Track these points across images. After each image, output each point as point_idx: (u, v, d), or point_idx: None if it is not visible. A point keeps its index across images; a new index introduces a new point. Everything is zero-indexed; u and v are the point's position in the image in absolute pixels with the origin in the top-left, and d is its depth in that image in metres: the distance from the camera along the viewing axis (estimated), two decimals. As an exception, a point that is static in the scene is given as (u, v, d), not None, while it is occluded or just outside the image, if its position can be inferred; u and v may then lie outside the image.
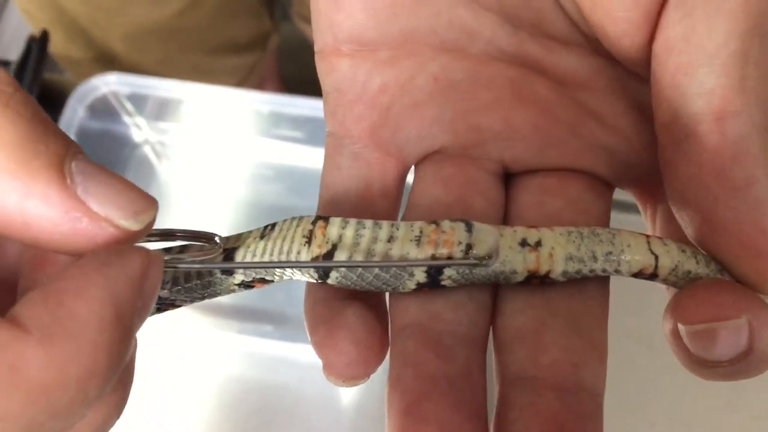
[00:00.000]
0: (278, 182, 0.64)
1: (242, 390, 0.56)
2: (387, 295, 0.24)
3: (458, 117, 0.25)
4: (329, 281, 0.22)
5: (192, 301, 0.25)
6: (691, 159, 0.21)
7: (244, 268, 0.23)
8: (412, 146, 0.26)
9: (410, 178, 0.26)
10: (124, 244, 0.19)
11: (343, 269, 0.22)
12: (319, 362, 0.59)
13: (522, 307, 0.23)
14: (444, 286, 0.22)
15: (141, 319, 0.18)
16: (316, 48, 0.27)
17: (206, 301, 0.25)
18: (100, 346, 0.17)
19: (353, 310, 0.22)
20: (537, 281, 0.22)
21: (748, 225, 0.21)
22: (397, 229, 0.22)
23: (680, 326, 0.21)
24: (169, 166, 0.65)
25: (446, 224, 0.22)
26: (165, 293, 0.24)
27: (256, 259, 0.23)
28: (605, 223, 0.25)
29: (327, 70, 0.26)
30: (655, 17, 0.22)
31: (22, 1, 0.73)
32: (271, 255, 0.23)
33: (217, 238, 0.23)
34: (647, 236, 0.22)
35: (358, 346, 0.21)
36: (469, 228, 0.22)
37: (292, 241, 0.23)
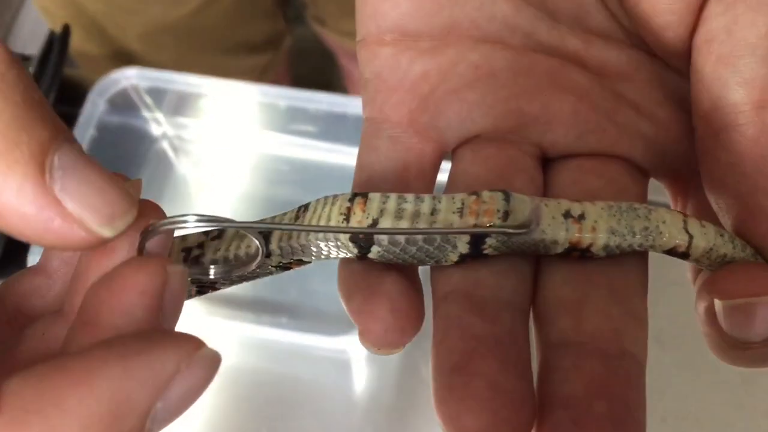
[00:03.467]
0: (294, 177, 0.65)
1: (256, 381, 0.56)
2: (428, 267, 0.24)
3: (498, 102, 0.26)
4: (371, 255, 0.23)
5: (231, 284, 0.25)
6: (731, 148, 0.22)
7: (285, 229, 0.23)
8: (452, 131, 0.26)
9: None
10: (95, 245, 0.18)
11: (385, 243, 0.22)
12: (332, 354, 0.60)
13: (563, 280, 0.23)
14: (486, 255, 0.22)
15: (159, 426, 0.16)
16: (358, 36, 0.27)
17: (220, 292, 0.25)
18: None
19: (390, 279, 0.22)
20: (577, 254, 0.22)
21: None
22: (439, 201, 0.22)
23: (717, 302, 0.21)
24: (186, 160, 0.66)
25: (486, 194, 0.22)
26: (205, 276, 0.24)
27: (293, 242, 0.23)
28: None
29: (368, 58, 0.27)
30: (697, 10, 0.23)
31: (40, -1, 0.74)
32: (307, 236, 0.23)
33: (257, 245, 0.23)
34: (685, 216, 0.23)
35: (396, 314, 0.22)
36: (507, 197, 0.22)
37: (328, 220, 0.23)
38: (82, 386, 0.15)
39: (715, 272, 0.22)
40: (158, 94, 0.63)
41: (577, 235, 0.22)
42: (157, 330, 0.18)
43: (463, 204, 0.22)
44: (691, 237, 0.22)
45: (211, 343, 0.18)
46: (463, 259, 0.23)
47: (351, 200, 0.23)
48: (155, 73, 0.62)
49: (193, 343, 0.17)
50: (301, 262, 0.24)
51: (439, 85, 0.26)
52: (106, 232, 0.18)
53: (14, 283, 0.21)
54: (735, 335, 0.21)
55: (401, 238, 0.22)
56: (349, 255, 0.23)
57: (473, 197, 0.22)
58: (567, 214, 0.22)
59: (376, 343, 0.22)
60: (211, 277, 0.24)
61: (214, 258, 0.24)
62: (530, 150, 0.26)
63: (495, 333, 0.21)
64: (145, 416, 0.16)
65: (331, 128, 0.63)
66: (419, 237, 0.22)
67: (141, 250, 0.20)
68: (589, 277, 0.23)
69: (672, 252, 0.23)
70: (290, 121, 0.63)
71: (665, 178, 0.27)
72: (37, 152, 0.17)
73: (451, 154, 0.27)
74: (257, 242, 0.23)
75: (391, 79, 0.26)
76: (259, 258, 0.23)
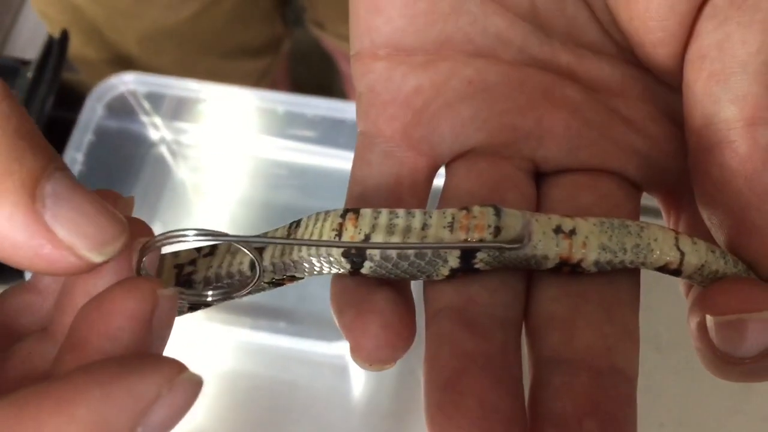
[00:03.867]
0: (292, 182, 0.65)
1: (253, 386, 0.56)
2: (421, 282, 0.24)
3: (492, 117, 0.26)
4: (363, 271, 0.23)
5: (225, 301, 0.25)
6: (723, 164, 0.22)
7: (285, 243, 0.23)
8: (445, 145, 0.26)
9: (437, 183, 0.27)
10: (85, 271, 0.18)
11: (377, 258, 0.22)
12: (330, 359, 0.60)
13: (555, 295, 0.23)
14: (477, 270, 0.23)
15: None
16: (352, 51, 0.27)
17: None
18: None
19: (382, 295, 0.22)
20: (567, 269, 0.23)
21: None
22: (430, 216, 0.23)
23: (708, 318, 0.21)
24: (184, 165, 0.66)
25: (476, 209, 0.22)
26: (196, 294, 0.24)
27: (285, 258, 0.23)
28: (634, 219, 0.25)
29: (362, 72, 0.27)
30: (689, 27, 0.23)
31: (39, 3, 0.74)
32: (300, 252, 0.23)
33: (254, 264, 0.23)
34: (677, 233, 0.23)
35: (387, 330, 0.22)
36: (498, 212, 0.22)
37: (320, 236, 0.23)
38: (61, 413, 0.15)
39: (706, 288, 0.22)
40: (156, 99, 0.64)
41: (567, 250, 0.22)
42: (139, 354, 0.18)
43: (453, 219, 0.22)
44: (682, 254, 0.22)
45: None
46: (454, 273, 0.23)
47: (343, 216, 0.23)
48: (153, 78, 0.62)
49: (174, 367, 0.17)
50: (293, 279, 0.24)
51: (432, 99, 0.26)
52: (96, 258, 0.18)
53: (5, 299, 0.21)
54: (726, 351, 0.21)
55: (393, 253, 0.22)
56: (342, 270, 0.23)
57: (463, 212, 0.22)
58: (558, 230, 0.22)
59: (367, 359, 0.22)
60: (209, 299, 0.24)
61: (206, 275, 0.24)
62: (523, 165, 0.26)
63: (486, 350, 0.21)
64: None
65: (329, 133, 0.63)
66: (411, 252, 0.22)
67: (138, 267, 0.20)
68: (581, 292, 0.23)
69: (663, 269, 0.23)
70: (288, 126, 0.63)
71: (658, 192, 0.27)
72: (29, 181, 0.17)
73: (445, 168, 0.27)
74: (253, 257, 0.23)
75: (385, 93, 0.26)
76: (257, 274, 0.23)
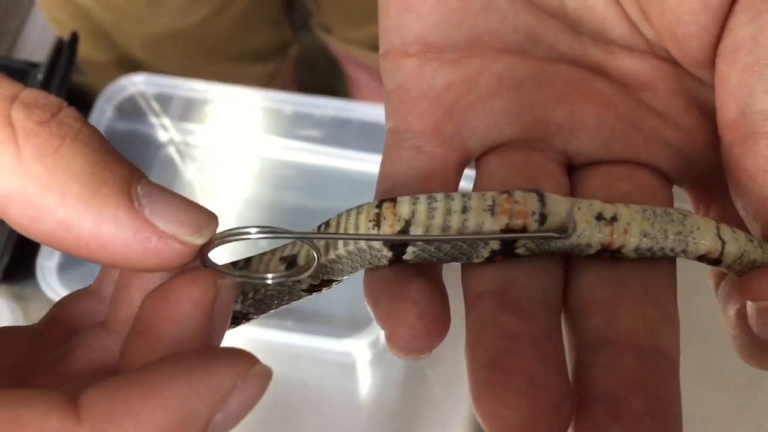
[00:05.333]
0: (299, 182, 0.65)
1: (262, 384, 0.57)
2: (459, 267, 0.24)
3: (524, 110, 0.26)
4: (406, 257, 0.23)
5: (263, 312, 0.25)
6: (758, 154, 0.22)
7: (343, 239, 0.23)
8: (477, 139, 0.26)
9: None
10: (191, 257, 0.20)
11: (420, 243, 0.22)
12: (338, 357, 0.60)
13: (594, 280, 0.23)
14: (517, 255, 0.23)
15: None
16: (381, 49, 0.27)
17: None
18: None
19: (418, 284, 0.23)
20: (607, 255, 0.23)
21: None
22: (469, 199, 0.22)
23: (749, 304, 0.21)
24: (192, 165, 0.67)
25: (518, 194, 0.22)
26: (237, 307, 0.24)
27: (322, 260, 0.23)
28: None
29: (392, 69, 0.27)
30: (722, 20, 0.23)
31: (49, 8, 0.75)
32: (336, 250, 0.23)
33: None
34: (718, 223, 0.23)
35: (423, 319, 0.22)
36: (542, 198, 0.22)
37: (356, 229, 0.23)
38: (152, 399, 0.16)
39: (747, 275, 0.23)
40: (165, 100, 0.64)
41: (609, 237, 0.22)
42: (214, 347, 0.20)
43: (494, 202, 0.22)
44: (723, 243, 0.22)
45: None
46: (493, 256, 0.23)
47: (378, 206, 0.23)
48: (162, 80, 0.63)
49: (248, 360, 0.18)
50: (330, 283, 0.24)
51: (463, 94, 0.26)
52: (198, 241, 0.20)
53: (69, 302, 0.23)
54: (766, 337, 0.21)
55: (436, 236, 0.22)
56: (383, 262, 0.23)
57: (504, 195, 0.22)
58: (599, 217, 0.22)
59: (404, 348, 0.22)
60: (269, 281, 0.23)
61: (244, 291, 0.24)
62: (556, 157, 0.26)
63: (530, 331, 0.21)
64: (206, 427, 0.17)
65: (336, 133, 0.63)
66: (454, 231, 0.22)
67: (204, 261, 0.21)
68: (620, 277, 0.23)
69: (704, 258, 0.23)
70: (296, 126, 0.63)
71: (689, 185, 0.27)
72: (123, 186, 0.19)
73: (475, 163, 0.27)
74: (315, 250, 0.23)
75: (416, 89, 0.27)
76: (314, 266, 0.23)
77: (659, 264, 0.23)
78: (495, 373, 0.20)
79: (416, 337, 0.22)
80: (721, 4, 0.23)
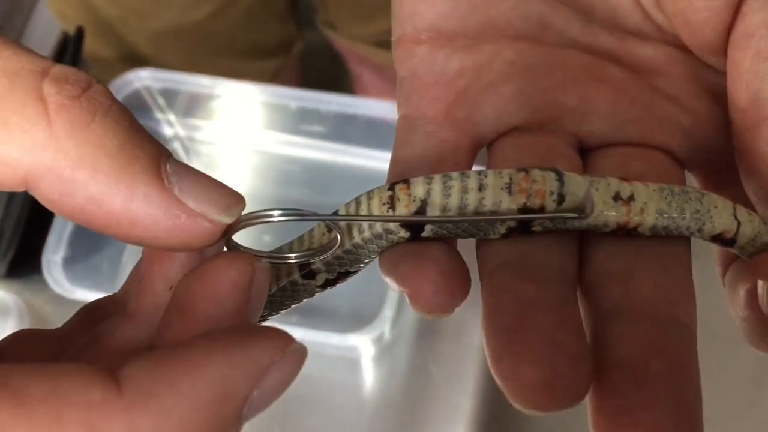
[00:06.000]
0: (304, 178, 0.65)
1: (267, 379, 0.57)
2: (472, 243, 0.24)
3: (535, 94, 0.26)
4: (424, 234, 0.22)
5: (278, 313, 0.25)
6: None
7: (368, 220, 0.22)
8: (489, 123, 0.26)
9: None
10: (218, 236, 0.20)
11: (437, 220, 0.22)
12: (342, 352, 0.60)
13: (610, 253, 0.23)
14: (533, 232, 0.23)
15: (253, 412, 0.18)
16: (393, 36, 0.28)
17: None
18: (190, 428, 0.16)
19: (437, 245, 0.23)
20: (622, 233, 0.23)
21: None
22: (486, 176, 0.22)
23: (761, 284, 0.21)
24: (198, 161, 0.67)
25: (536, 172, 0.22)
26: None
27: (338, 251, 0.23)
28: None
29: (404, 56, 0.27)
30: (735, 6, 0.23)
31: (54, 2, 0.75)
32: (352, 239, 0.23)
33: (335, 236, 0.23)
34: (734, 204, 0.23)
35: (445, 276, 0.22)
36: (560, 177, 0.22)
37: (370, 215, 0.22)
38: (192, 373, 0.17)
39: (756, 258, 0.23)
40: (170, 96, 0.64)
41: (626, 216, 0.22)
42: (251, 325, 0.20)
43: (511, 180, 0.22)
44: (739, 224, 0.23)
45: None
46: (509, 232, 0.22)
47: (391, 188, 0.22)
48: (168, 75, 0.63)
49: (284, 338, 0.18)
50: (347, 275, 0.24)
51: (475, 80, 0.26)
52: (226, 220, 0.20)
53: (94, 307, 0.23)
54: None
55: (453, 213, 0.22)
56: (400, 241, 0.23)
57: (522, 174, 0.22)
58: (617, 197, 0.22)
59: (426, 305, 0.22)
60: (292, 261, 0.23)
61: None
62: (568, 139, 0.26)
63: (547, 296, 0.21)
64: (244, 402, 0.17)
65: (341, 129, 0.63)
66: (470, 210, 0.22)
67: (229, 244, 0.21)
68: (637, 250, 0.23)
69: (719, 238, 0.23)
70: (301, 121, 0.63)
71: (699, 170, 0.27)
72: (153, 164, 0.19)
73: (487, 148, 0.27)
74: (338, 230, 0.22)
75: (428, 75, 0.27)
76: (337, 245, 0.23)
77: (674, 240, 0.23)
78: (513, 335, 0.20)
79: (439, 293, 0.22)
80: None
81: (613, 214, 0.22)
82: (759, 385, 0.55)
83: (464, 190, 0.22)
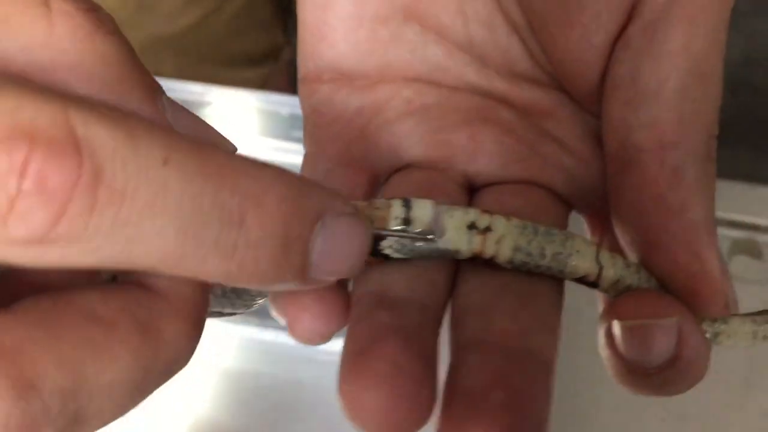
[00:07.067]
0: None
1: (259, 385, 0.57)
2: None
3: (428, 133, 0.27)
4: None
5: (235, 309, 0.25)
6: (634, 185, 0.23)
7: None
8: (383, 161, 0.27)
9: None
10: None
11: None
12: (336, 358, 0.60)
13: (476, 287, 0.23)
14: (388, 256, 0.23)
15: (319, 273, 0.19)
16: (299, 75, 0.28)
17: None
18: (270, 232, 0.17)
19: None
20: (482, 261, 0.23)
21: (683, 247, 0.23)
22: None
23: (615, 324, 0.22)
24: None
25: (379, 201, 0.23)
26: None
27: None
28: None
29: (307, 94, 0.28)
30: (606, 57, 0.25)
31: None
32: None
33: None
34: (598, 247, 0.24)
35: (321, 302, 0.22)
36: (407, 203, 0.23)
37: None
38: (267, 173, 0.18)
39: (616, 298, 0.23)
40: (161, 103, 0.64)
41: (480, 246, 0.23)
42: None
43: (356, 209, 0.22)
44: (601, 267, 0.23)
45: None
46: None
47: None
48: (159, 81, 0.63)
49: (341, 206, 0.19)
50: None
51: (373, 118, 0.27)
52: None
53: None
54: (632, 358, 0.22)
55: None
56: None
57: (366, 203, 0.23)
58: (472, 226, 0.23)
59: (303, 333, 0.22)
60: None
61: (224, 287, 0.24)
62: (457, 178, 0.27)
63: (401, 324, 0.21)
64: (310, 232, 0.18)
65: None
66: None
67: None
68: (502, 285, 0.23)
69: (582, 280, 0.23)
70: (292, 128, 0.63)
71: (585, 211, 0.28)
72: (148, 88, 0.20)
73: (384, 184, 0.28)
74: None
75: (329, 114, 0.27)
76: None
77: (544, 277, 0.24)
78: (360, 360, 0.20)
79: (315, 319, 0.22)
80: (605, 41, 0.24)
81: (466, 241, 0.23)
82: (748, 386, 0.55)
83: None
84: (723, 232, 0.57)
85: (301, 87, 0.28)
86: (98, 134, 0.15)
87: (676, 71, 0.23)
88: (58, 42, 0.18)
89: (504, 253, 0.23)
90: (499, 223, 0.23)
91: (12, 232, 0.14)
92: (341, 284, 0.23)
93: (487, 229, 0.23)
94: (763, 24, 1.33)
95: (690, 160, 0.23)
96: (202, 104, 0.64)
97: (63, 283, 0.20)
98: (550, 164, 0.27)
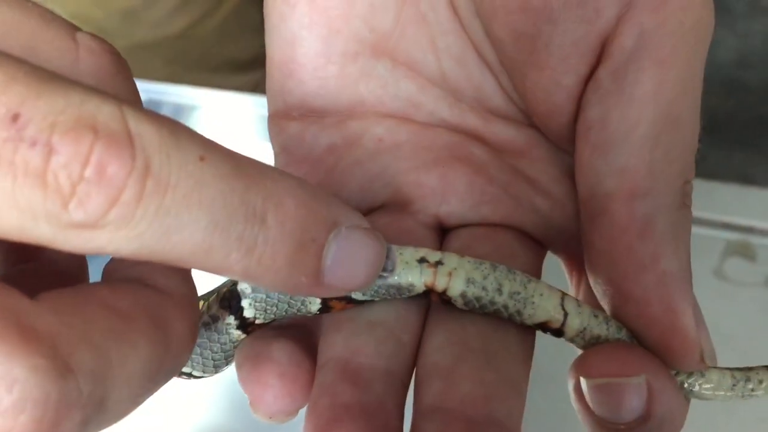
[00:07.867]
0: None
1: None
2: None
3: (398, 174, 0.27)
4: (245, 312, 0.23)
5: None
6: (604, 235, 0.23)
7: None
8: (353, 203, 0.26)
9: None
10: None
11: (249, 293, 0.23)
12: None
13: (440, 344, 0.23)
14: (351, 299, 0.23)
15: (332, 278, 0.19)
16: (268, 112, 0.28)
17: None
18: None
19: (279, 344, 0.23)
20: (436, 298, 0.23)
21: (655, 300, 0.22)
22: None
23: (582, 381, 0.22)
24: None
25: None
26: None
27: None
28: (534, 274, 0.25)
29: (277, 132, 0.28)
30: (577, 99, 0.24)
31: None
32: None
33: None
34: (564, 294, 0.23)
35: (284, 379, 0.22)
36: None
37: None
38: (289, 179, 0.18)
39: (584, 352, 0.23)
40: (153, 107, 0.64)
41: (431, 278, 0.22)
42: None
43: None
44: (566, 314, 0.22)
45: None
46: (326, 306, 0.23)
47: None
48: (150, 85, 0.63)
49: (358, 220, 0.20)
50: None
51: (344, 157, 0.27)
52: None
53: None
54: (602, 415, 0.22)
55: (262, 294, 0.23)
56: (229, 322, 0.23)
57: None
58: (422, 260, 0.23)
59: (267, 411, 0.22)
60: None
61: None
62: (427, 220, 0.27)
63: (363, 401, 0.21)
64: (325, 237, 0.19)
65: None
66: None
67: None
68: (466, 340, 0.23)
69: (544, 327, 0.23)
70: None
71: (561, 253, 0.27)
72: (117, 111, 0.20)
73: None
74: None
75: (298, 152, 0.27)
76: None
77: (510, 327, 0.23)
78: None
79: (277, 398, 0.22)
80: (575, 83, 0.24)
81: (417, 273, 0.22)
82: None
83: None
84: (716, 233, 0.57)
85: (270, 124, 0.28)
86: (147, 130, 0.16)
87: (646, 117, 0.22)
88: (81, 77, 0.18)
89: (456, 285, 0.22)
90: (452, 258, 0.23)
91: (72, 215, 0.15)
92: (308, 354, 0.23)
93: (439, 263, 0.22)
94: (757, 25, 1.33)
95: (662, 209, 0.22)
96: (194, 108, 0.64)
97: (72, 281, 0.20)
98: (523, 205, 0.26)
